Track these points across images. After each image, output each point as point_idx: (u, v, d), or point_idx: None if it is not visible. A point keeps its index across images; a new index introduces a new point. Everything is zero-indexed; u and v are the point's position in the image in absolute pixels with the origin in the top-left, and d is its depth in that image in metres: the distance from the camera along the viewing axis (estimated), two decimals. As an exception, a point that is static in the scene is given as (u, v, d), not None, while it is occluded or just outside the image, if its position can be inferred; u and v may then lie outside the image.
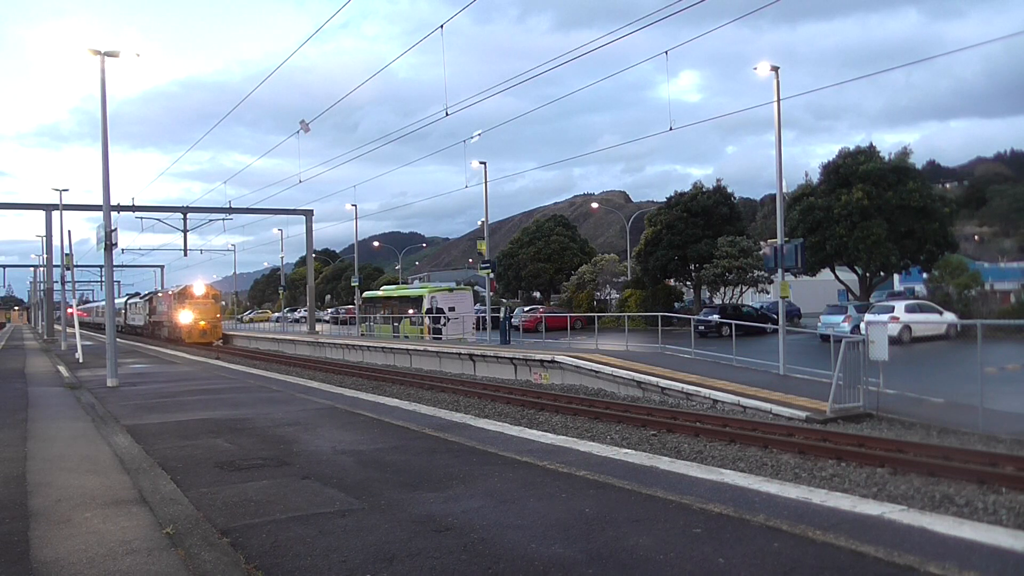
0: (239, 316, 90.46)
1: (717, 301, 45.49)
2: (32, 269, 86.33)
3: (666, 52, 19.33)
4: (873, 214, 35.03)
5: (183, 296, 55.37)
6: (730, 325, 27.38)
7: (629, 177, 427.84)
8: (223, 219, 50.32)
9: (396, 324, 41.15)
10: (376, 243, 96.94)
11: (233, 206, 49.70)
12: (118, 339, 23.97)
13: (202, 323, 54.28)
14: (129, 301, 77.15)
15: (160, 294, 65.45)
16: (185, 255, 50.41)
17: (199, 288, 55.69)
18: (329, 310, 72.74)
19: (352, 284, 51.47)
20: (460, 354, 29.09)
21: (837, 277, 39.82)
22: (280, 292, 68.75)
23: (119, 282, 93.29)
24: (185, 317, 53.97)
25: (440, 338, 36.67)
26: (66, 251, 35.97)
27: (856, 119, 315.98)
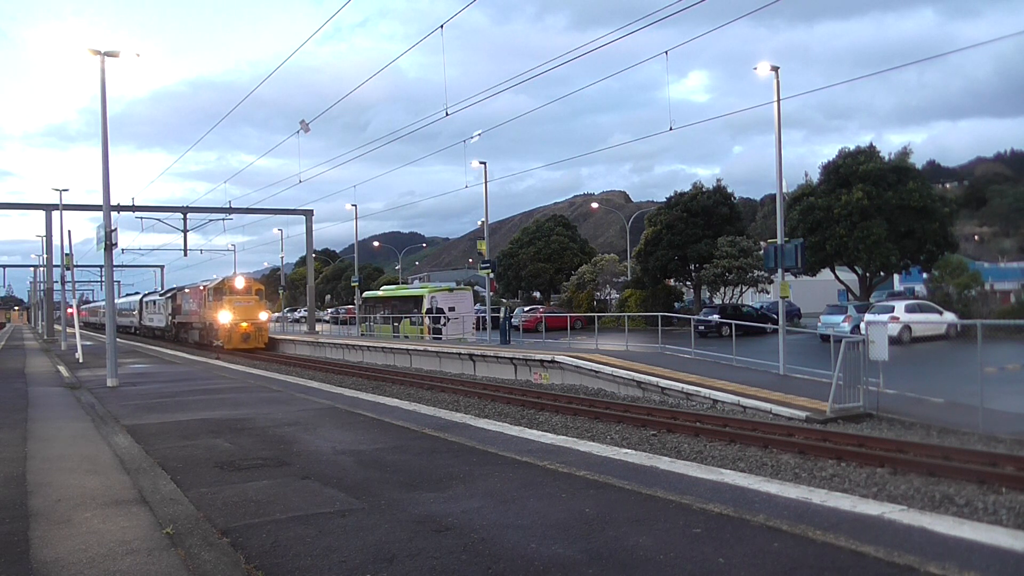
0: None
1: (717, 301, 45.52)
2: (32, 269, 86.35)
3: (666, 52, 19.39)
4: (873, 214, 35.05)
5: (220, 291, 45.19)
6: (730, 325, 27.38)
7: (637, 177, 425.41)
8: (223, 219, 50.13)
9: (396, 324, 41.15)
10: (376, 243, 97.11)
11: (234, 206, 49.66)
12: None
13: (244, 325, 44.48)
14: (146, 299, 66.47)
15: (188, 290, 53.13)
16: (185, 255, 49.72)
17: (240, 282, 46.24)
18: (329, 310, 72.73)
19: (352, 284, 51.47)
20: (460, 354, 29.09)
21: (837, 277, 39.83)
22: (280, 292, 68.74)
23: (119, 282, 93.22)
24: (224, 317, 44.05)
25: (440, 338, 36.67)
26: (66, 251, 36.00)
27: (867, 119, 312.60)
